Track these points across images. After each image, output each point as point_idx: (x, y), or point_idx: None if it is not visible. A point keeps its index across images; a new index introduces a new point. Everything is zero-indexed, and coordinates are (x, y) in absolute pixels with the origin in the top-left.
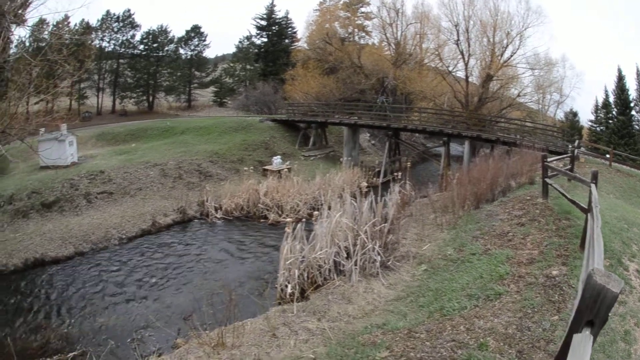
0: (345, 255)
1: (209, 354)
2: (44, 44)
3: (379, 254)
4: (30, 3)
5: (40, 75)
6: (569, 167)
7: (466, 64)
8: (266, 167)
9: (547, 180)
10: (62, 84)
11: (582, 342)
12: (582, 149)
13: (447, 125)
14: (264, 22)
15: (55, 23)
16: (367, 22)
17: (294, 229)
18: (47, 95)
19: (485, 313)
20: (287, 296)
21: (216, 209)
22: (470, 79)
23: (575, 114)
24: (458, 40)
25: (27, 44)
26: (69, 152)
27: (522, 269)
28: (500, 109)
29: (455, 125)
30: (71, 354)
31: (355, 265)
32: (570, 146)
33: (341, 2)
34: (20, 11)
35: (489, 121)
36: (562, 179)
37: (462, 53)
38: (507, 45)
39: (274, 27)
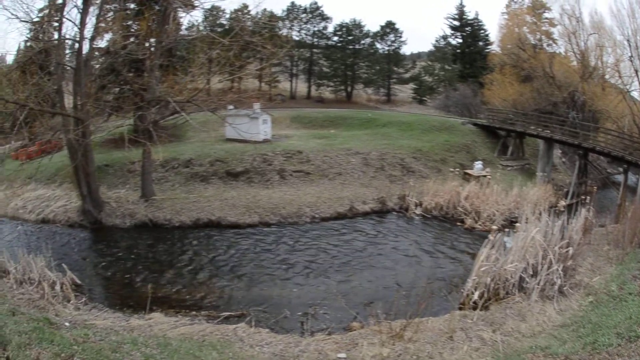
0: (531, 272)
1: (383, 342)
2: (220, 29)
3: (559, 277)
4: None
5: (225, 57)
6: None
7: None
8: (467, 171)
9: None
10: (250, 67)
11: None
12: None
13: (626, 151)
14: (456, 23)
15: (232, 10)
16: (552, 29)
17: (495, 237)
18: (237, 75)
19: (624, 352)
20: (470, 303)
21: (416, 205)
22: None
23: None
24: (631, 56)
25: (201, 27)
26: (262, 129)
27: None
28: None
29: (632, 152)
30: (226, 313)
31: (538, 284)
32: None
33: (525, 6)
34: None
35: None
36: None
37: (636, 71)
38: None
39: (467, 28)
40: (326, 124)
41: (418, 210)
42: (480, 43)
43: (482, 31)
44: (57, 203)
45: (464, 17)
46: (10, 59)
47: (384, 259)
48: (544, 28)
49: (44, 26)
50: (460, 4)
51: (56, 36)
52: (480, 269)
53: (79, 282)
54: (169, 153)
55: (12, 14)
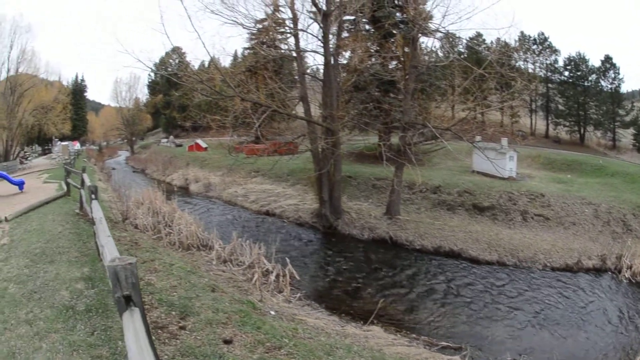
0: None
1: None
2: (459, 56)
3: None
4: (432, 17)
5: (482, 87)
6: None
7: None
8: None
9: None
10: (490, 98)
11: None
12: None
13: None
14: None
15: (468, 38)
16: None
17: None
18: (493, 108)
19: None
20: None
21: (627, 268)
22: None
23: None
24: None
25: (440, 54)
26: (508, 166)
27: None
28: None
29: None
30: (444, 343)
31: None
32: None
33: None
34: (423, 23)
35: None
36: None
37: None
38: None
39: None
40: (563, 167)
41: (628, 274)
42: None
43: None
44: (288, 201)
45: None
46: (225, 60)
47: (595, 319)
48: None
49: (268, 36)
50: None
51: (284, 47)
52: None
53: (297, 277)
54: (417, 177)
55: (232, 20)
